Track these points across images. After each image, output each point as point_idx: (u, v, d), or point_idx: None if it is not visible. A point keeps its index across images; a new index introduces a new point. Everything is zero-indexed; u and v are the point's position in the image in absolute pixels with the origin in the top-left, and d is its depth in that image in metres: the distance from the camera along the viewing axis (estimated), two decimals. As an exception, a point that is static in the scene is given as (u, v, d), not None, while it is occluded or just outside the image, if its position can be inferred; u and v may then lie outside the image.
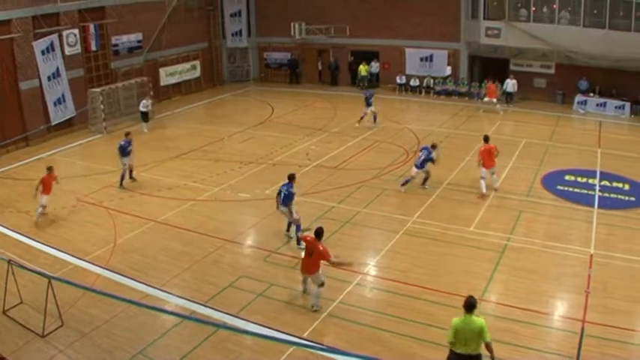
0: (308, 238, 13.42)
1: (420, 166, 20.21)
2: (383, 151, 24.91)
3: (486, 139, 20.16)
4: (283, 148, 25.43)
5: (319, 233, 13.23)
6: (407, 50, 37.02)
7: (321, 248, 13.01)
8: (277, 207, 16.76)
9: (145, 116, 29.73)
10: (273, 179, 21.57)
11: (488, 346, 9.81)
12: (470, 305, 9.83)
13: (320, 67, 41.11)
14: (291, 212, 16.70)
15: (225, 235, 17.17)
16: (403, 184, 20.32)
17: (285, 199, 16.52)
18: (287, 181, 16.80)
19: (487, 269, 14.84)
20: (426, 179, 20.59)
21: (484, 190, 19.56)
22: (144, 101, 30.12)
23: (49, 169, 19.22)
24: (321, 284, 13.26)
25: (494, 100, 31.52)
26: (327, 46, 39.88)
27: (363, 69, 37.90)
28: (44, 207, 18.84)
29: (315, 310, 13.18)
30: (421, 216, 18.11)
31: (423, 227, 17.32)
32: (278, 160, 24.08)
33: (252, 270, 15.22)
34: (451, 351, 9.99)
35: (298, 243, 16.37)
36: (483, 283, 14.20)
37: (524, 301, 13.37)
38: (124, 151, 21.70)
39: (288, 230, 17.16)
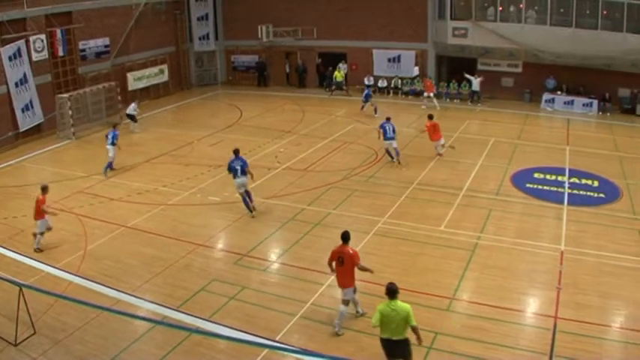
0: (335, 249, 12.72)
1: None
2: (352, 152, 25.06)
3: (430, 117, 24.19)
4: (252, 151, 25.42)
5: (346, 237, 12.71)
6: (374, 51, 37.30)
7: (352, 251, 12.53)
8: (237, 177, 18.60)
9: (132, 118, 29.96)
10: (244, 182, 21.64)
11: (414, 329, 10.19)
12: (391, 291, 10.28)
13: (288, 70, 41.21)
14: (252, 176, 19.09)
15: (196, 239, 17.15)
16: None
17: (243, 169, 18.66)
18: (234, 156, 18.98)
19: (458, 268, 15.03)
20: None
21: (440, 151, 23.79)
22: (132, 105, 30.34)
23: (44, 189, 17.19)
24: (346, 302, 12.58)
25: (432, 94, 33.30)
26: (295, 48, 39.98)
27: (338, 75, 38.22)
28: (48, 230, 17.19)
29: (338, 333, 12.48)
30: (392, 216, 18.26)
31: (394, 227, 17.46)
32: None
33: (224, 273, 15.22)
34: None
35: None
36: (455, 281, 14.39)
37: (495, 298, 13.57)
38: (107, 139, 23.42)
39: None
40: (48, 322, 13.15)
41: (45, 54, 29.91)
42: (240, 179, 18.65)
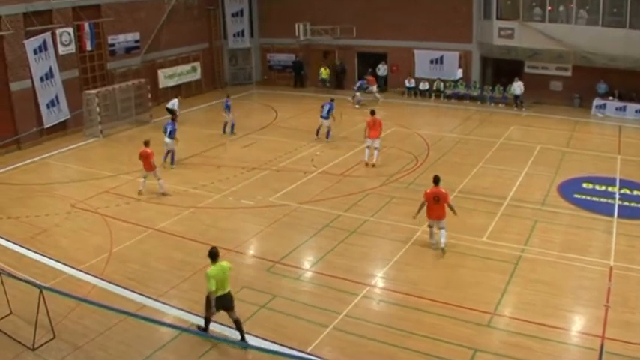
0: (428, 191, 16.35)
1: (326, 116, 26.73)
2: (391, 157, 24.92)
3: (372, 112, 24.33)
4: (287, 154, 25.47)
5: (437, 180, 16.43)
6: (416, 52, 37.09)
7: (444, 191, 16.28)
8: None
9: (172, 113, 29.94)
10: (277, 186, 21.67)
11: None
12: (214, 254, 12.36)
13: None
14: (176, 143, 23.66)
15: (227, 244, 17.13)
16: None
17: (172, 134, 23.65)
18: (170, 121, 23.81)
19: (500, 281, 14.80)
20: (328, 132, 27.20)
21: (366, 159, 23.86)
22: (175, 100, 30.65)
23: (147, 143, 21.26)
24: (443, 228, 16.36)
25: (374, 87, 35.63)
26: (333, 47, 40.00)
27: (324, 71, 38.50)
28: (159, 180, 21.21)
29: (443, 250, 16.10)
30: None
31: (433, 237, 17.30)
32: (282, 166, 24.12)
33: (255, 281, 15.22)
34: (207, 297, 12.23)
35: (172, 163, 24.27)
36: (496, 295, 14.16)
37: (539, 315, 13.32)
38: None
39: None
40: (68, 327, 13.24)
41: (72, 48, 30.22)
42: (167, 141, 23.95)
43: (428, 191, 16.37)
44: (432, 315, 13.40)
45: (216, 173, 23.52)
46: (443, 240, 16.30)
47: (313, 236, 17.73)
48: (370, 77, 35.95)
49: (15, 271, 15.29)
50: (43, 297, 12.57)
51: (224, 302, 12.34)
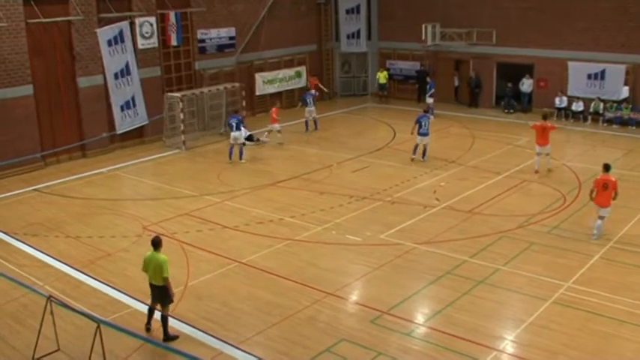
0: (598, 178, 19.96)
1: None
2: (532, 193, 24.56)
3: (544, 116, 27.29)
4: (405, 183, 25.53)
5: (608, 167, 20.09)
6: (570, 64, 36.41)
7: (614, 179, 19.73)
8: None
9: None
10: (391, 221, 21.72)
11: (165, 280, 14.53)
12: (155, 243, 14.70)
13: (457, 83, 41.14)
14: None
15: (326, 287, 17.33)
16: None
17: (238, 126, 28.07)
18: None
19: (667, 359, 14.26)
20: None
21: (537, 166, 26.66)
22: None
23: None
24: (602, 218, 19.97)
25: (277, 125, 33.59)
26: (467, 55, 39.89)
27: (381, 76, 39.32)
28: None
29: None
30: (579, 282, 17.60)
31: (582, 297, 16.81)
32: (398, 196, 24.20)
33: (356, 333, 15.25)
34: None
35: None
36: (661, 376, 13.66)
37: None
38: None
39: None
40: (127, 371, 13.63)
41: (154, 41, 31.01)
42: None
43: (598, 178, 20.05)
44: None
45: (318, 201, 23.86)
46: (597, 231, 19.99)
47: (431, 284, 17.63)
48: (274, 109, 33.39)
49: (69, 301, 15.95)
50: (100, 333, 12.80)
51: (153, 292, 14.97)
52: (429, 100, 36.85)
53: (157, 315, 14.95)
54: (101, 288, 17.35)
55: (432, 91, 36.96)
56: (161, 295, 14.62)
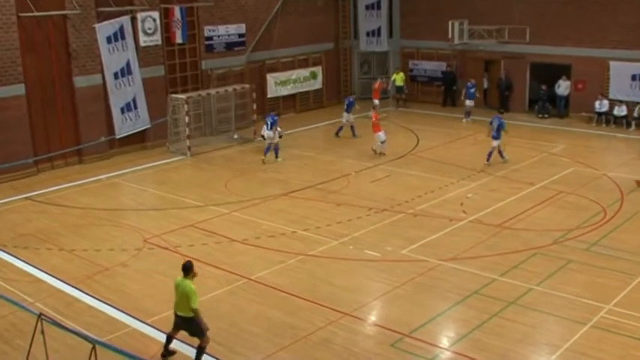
0: None
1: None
2: (569, 206, 24.43)
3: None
4: (429, 194, 25.50)
5: None
6: (612, 64, 36.35)
7: None
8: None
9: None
10: (413, 235, 21.68)
11: (195, 312, 13.85)
12: (186, 269, 14.26)
13: (486, 85, 41.07)
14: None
15: (342, 306, 17.29)
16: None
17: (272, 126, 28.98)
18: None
19: None
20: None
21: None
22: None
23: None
24: None
25: (376, 101, 36.74)
26: (498, 55, 39.87)
27: (398, 77, 39.49)
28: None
29: None
30: (621, 304, 17.47)
31: (623, 321, 16.69)
32: (421, 209, 24.17)
33: (375, 357, 15.18)
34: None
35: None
36: None
37: None
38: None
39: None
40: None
41: (157, 38, 31.08)
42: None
43: None
44: None
45: (334, 213, 23.84)
46: None
47: (457, 305, 17.55)
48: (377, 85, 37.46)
49: (62, 319, 15.95)
50: (96, 355, 12.66)
51: (176, 322, 14.43)
52: (469, 103, 37.18)
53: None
54: (97, 305, 17.33)
55: (473, 90, 37.56)
56: (189, 327, 14.19)
